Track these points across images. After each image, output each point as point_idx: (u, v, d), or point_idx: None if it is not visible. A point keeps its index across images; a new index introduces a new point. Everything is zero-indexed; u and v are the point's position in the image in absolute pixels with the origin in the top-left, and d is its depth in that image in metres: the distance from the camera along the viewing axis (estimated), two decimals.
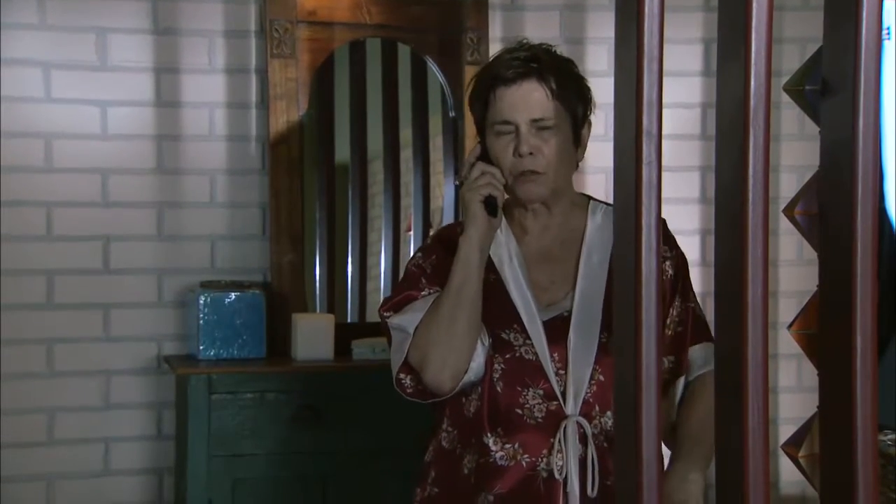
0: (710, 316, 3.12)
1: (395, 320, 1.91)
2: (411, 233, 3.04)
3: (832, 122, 0.87)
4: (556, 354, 1.88)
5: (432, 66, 3.02)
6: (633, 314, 0.87)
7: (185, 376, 2.60)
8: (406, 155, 3.08)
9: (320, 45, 2.90)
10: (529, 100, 1.87)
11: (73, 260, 2.81)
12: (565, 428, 1.85)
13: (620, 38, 0.84)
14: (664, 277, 1.90)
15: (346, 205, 3.00)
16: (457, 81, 2.99)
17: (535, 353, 1.88)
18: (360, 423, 2.60)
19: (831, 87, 0.87)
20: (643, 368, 0.90)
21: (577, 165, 1.96)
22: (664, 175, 0.87)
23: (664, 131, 0.87)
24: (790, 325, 0.98)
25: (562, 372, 1.88)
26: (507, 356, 1.89)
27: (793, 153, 3.08)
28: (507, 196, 1.92)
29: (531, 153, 1.87)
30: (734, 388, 0.86)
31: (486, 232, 1.87)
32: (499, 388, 1.88)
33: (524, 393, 1.88)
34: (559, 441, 1.85)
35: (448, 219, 3.05)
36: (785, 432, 2.97)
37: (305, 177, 2.91)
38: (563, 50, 3.07)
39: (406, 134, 3.08)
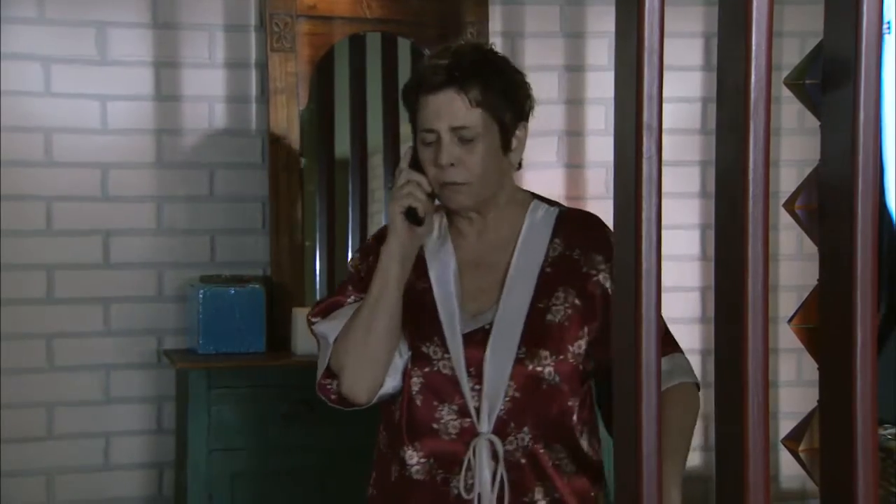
0: (710, 311, 3.14)
1: (319, 328, 1.88)
2: None
3: (833, 117, 0.86)
4: (472, 369, 1.82)
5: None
6: (634, 309, 0.87)
7: (184, 370, 2.60)
8: (406, 148, 3.07)
9: (320, 39, 2.90)
10: (449, 108, 1.79)
11: (73, 254, 2.81)
12: (475, 446, 1.80)
13: (621, 31, 0.84)
14: (600, 291, 1.83)
15: (346, 199, 3.00)
16: None
17: (452, 368, 1.83)
18: (360, 417, 2.60)
19: (832, 81, 0.86)
20: (643, 364, 0.90)
21: (516, 167, 1.88)
22: (664, 169, 0.87)
23: (664, 126, 0.87)
24: (790, 320, 0.98)
25: (477, 387, 1.82)
26: (426, 370, 1.84)
27: (793, 147, 3.08)
28: (437, 203, 1.85)
29: (452, 164, 1.79)
30: (734, 383, 0.86)
31: (408, 243, 1.81)
32: (417, 402, 1.83)
33: (440, 408, 1.83)
34: (468, 459, 1.80)
35: None
36: (785, 427, 2.97)
37: (305, 171, 2.91)
38: (561, 45, 3.13)
39: (406, 128, 3.07)
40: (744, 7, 0.81)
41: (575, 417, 1.84)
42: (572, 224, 1.89)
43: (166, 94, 2.86)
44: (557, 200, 1.96)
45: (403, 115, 3.22)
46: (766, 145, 0.84)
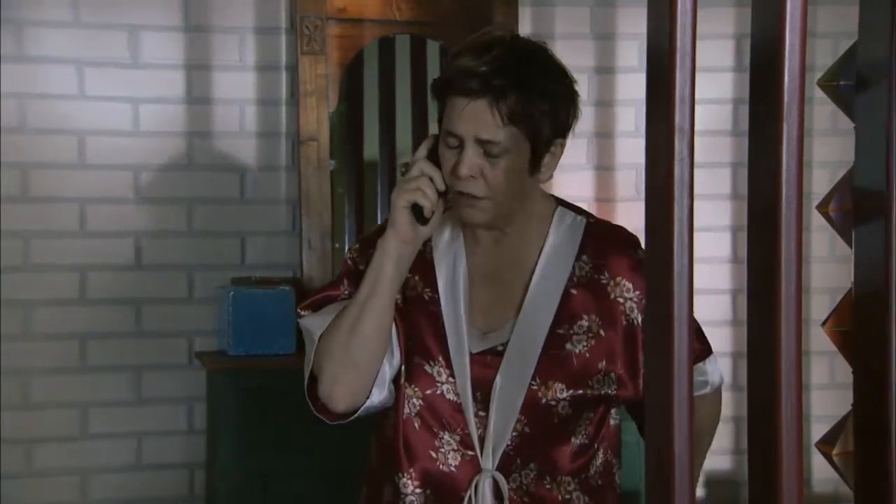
0: (741, 314, 3.11)
1: (305, 322, 1.72)
2: None
3: (866, 118, 0.86)
4: (479, 394, 1.65)
5: None
6: (666, 311, 0.87)
7: (215, 372, 2.61)
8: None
9: (350, 41, 2.91)
10: (479, 119, 1.60)
11: (105, 256, 2.83)
12: (477, 484, 1.65)
13: (653, 33, 0.83)
14: (626, 322, 1.67)
15: (374, 201, 3.01)
16: None
17: (458, 393, 1.66)
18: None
19: (866, 82, 0.86)
20: (675, 365, 0.90)
21: (543, 182, 1.70)
22: (695, 171, 0.86)
23: (696, 127, 0.86)
24: (824, 323, 0.98)
25: (482, 415, 1.65)
26: (428, 392, 1.67)
27: (826, 149, 3.06)
28: (447, 205, 1.67)
29: (472, 176, 1.61)
30: (767, 385, 0.85)
31: (408, 242, 1.64)
32: (416, 426, 1.67)
33: (440, 436, 1.67)
34: (469, 499, 1.65)
35: None
36: (817, 430, 2.95)
37: (335, 173, 2.92)
38: (591, 47, 3.12)
39: (435, 130, 3.08)
40: (777, 8, 0.81)
41: (588, 446, 1.70)
42: (602, 241, 1.71)
43: (197, 97, 2.88)
44: (583, 207, 1.80)
45: (433, 117, 3.22)
46: (799, 147, 0.84)
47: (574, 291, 1.68)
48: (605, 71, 3.08)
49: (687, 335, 0.90)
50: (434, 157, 1.66)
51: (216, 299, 2.84)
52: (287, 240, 2.93)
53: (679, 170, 0.85)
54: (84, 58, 2.80)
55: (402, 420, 1.67)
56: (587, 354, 1.65)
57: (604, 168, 3.10)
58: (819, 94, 1.02)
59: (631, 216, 3.08)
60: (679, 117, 0.84)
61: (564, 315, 1.67)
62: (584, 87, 3.06)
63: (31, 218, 2.79)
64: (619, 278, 1.68)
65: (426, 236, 1.68)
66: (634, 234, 1.71)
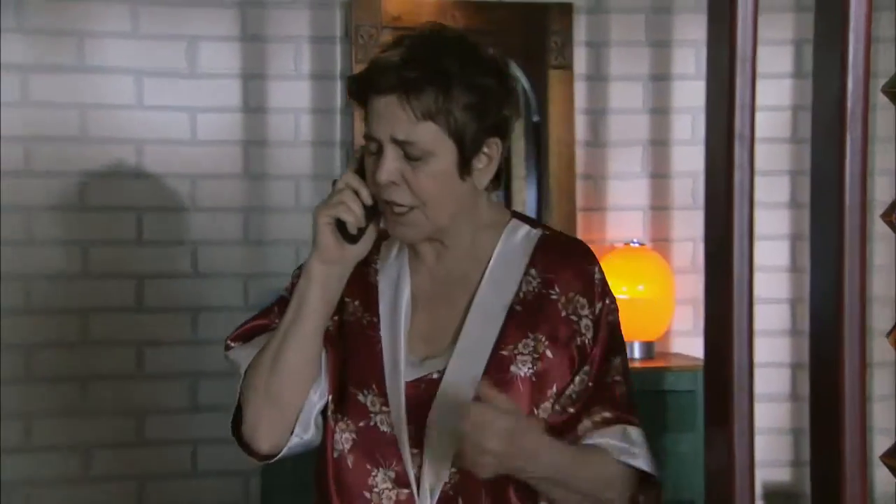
0: (800, 324, 3.07)
1: (233, 354, 1.58)
2: None
3: None
4: (412, 427, 1.48)
5: (515, 70, 3.01)
6: (726, 321, 0.85)
7: None
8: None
9: None
10: (392, 118, 1.44)
11: (162, 264, 2.86)
12: None
13: (713, 39, 0.82)
14: (579, 342, 1.51)
15: None
16: (540, 85, 2.98)
17: (391, 424, 1.49)
18: None
19: None
20: (735, 377, 0.89)
21: (484, 189, 1.52)
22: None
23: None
24: (889, 333, 0.96)
25: (416, 451, 1.48)
26: (361, 423, 1.51)
27: (888, 156, 3.00)
28: (376, 222, 1.51)
29: (394, 182, 1.45)
30: (830, 397, 0.84)
31: (333, 263, 1.48)
32: (348, 463, 1.52)
33: (374, 474, 1.50)
34: None
35: None
36: (879, 442, 2.90)
37: None
38: (647, 54, 3.10)
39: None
40: (840, 14, 0.80)
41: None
42: (553, 253, 1.54)
43: (253, 106, 2.90)
44: (543, 222, 1.65)
45: None
46: (863, 154, 0.82)
47: (519, 308, 1.51)
48: (661, 78, 3.06)
49: (747, 344, 0.88)
50: (362, 173, 1.50)
51: None
52: None
53: (739, 177, 0.84)
54: (143, 68, 2.83)
55: (333, 458, 1.52)
56: (533, 378, 1.48)
57: (659, 176, 3.08)
58: (882, 99, 1.00)
59: (687, 225, 3.06)
60: (739, 124, 0.83)
61: (508, 334, 1.49)
62: (639, 95, 3.05)
63: (90, 227, 2.83)
64: (571, 294, 1.51)
65: (358, 256, 1.51)
66: (588, 248, 1.59)
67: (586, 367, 1.51)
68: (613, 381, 1.53)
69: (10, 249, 2.78)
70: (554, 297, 1.52)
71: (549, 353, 1.50)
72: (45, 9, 2.78)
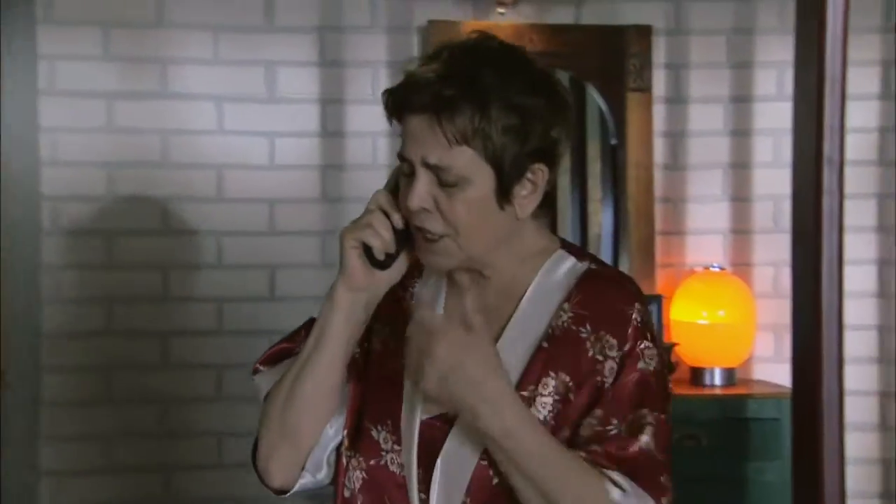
0: (887, 351, 2.98)
1: (258, 379, 1.49)
2: None
3: None
4: (421, 470, 1.36)
5: (592, 93, 3.00)
6: (815, 347, 0.83)
7: None
8: (563, 182, 3.06)
9: None
10: (424, 140, 1.31)
11: (241, 287, 2.89)
12: None
13: (801, 61, 0.80)
14: (599, 383, 1.34)
15: None
16: (619, 108, 2.95)
17: (402, 464, 1.37)
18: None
19: None
20: (824, 403, 0.86)
21: (521, 218, 1.37)
22: None
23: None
24: None
25: (424, 497, 1.35)
26: (372, 462, 1.39)
27: None
28: (410, 246, 1.38)
29: (425, 209, 1.32)
30: None
31: (359, 289, 1.36)
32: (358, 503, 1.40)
33: None
34: None
35: (606, 248, 3.01)
36: None
37: None
38: (727, 75, 3.05)
39: (563, 160, 3.07)
40: None
41: None
42: (592, 288, 1.39)
43: (331, 130, 2.92)
44: (597, 256, 1.46)
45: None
46: None
47: (546, 345, 1.36)
48: (742, 100, 3.01)
49: (837, 370, 0.85)
50: (397, 193, 1.39)
51: None
52: None
53: (828, 203, 0.82)
54: (223, 94, 2.87)
55: (344, 497, 1.41)
56: (552, 422, 1.33)
57: (740, 199, 3.02)
58: None
59: (769, 249, 3.00)
60: (828, 148, 0.81)
61: (532, 374, 1.34)
62: (720, 117, 3.00)
63: (171, 250, 2.87)
64: (602, 333, 1.35)
65: (389, 282, 1.39)
66: (638, 288, 1.42)
67: (598, 411, 1.32)
68: (634, 433, 1.31)
69: (91, 273, 2.83)
70: (584, 334, 1.36)
71: (571, 396, 1.34)
72: (130, 37, 2.83)
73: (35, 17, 2.79)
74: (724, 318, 2.88)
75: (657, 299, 2.91)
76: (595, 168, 3.04)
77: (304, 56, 2.91)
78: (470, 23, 2.86)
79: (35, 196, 2.79)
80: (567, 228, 3.02)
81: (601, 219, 3.02)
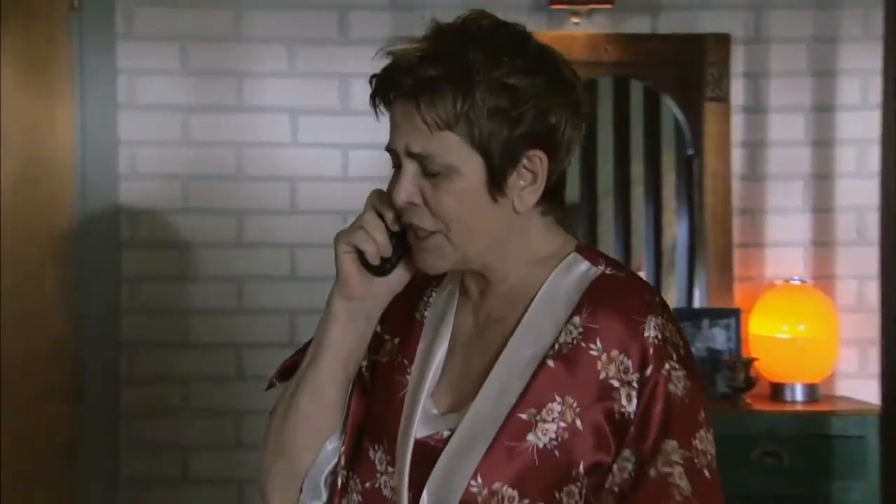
0: None
1: (272, 395, 1.42)
2: (643, 272, 2.96)
3: None
4: (412, 493, 1.23)
5: (668, 103, 2.96)
6: None
7: None
8: (637, 192, 3.02)
9: None
10: (406, 126, 1.22)
11: (314, 299, 2.88)
12: None
13: (890, 69, 0.76)
14: (618, 415, 1.20)
15: None
16: (696, 118, 2.91)
17: (393, 488, 1.26)
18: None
19: None
20: None
21: (519, 212, 1.23)
22: None
23: None
24: None
25: None
26: (367, 484, 1.28)
27: None
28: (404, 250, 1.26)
29: (413, 203, 1.22)
30: None
31: (357, 298, 1.27)
32: None
33: None
34: None
35: (681, 260, 2.96)
36: None
37: None
38: (808, 84, 2.98)
39: (637, 171, 3.03)
40: None
41: None
42: (602, 297, 1.23)
43: None
44: (615, 259, 1.30)
45: (636, 157, 3.18)
46: None
47: (551, 364, 1.21)
48: (824, 109, 2.94)
49: None
50: None
51: None
52: None
53: None
54: (298, 106, 2.88)
55: None
56: (556, 453, 1.19)
57: (822, 210, 2.95)
58: None
59: (852, 261, 2.92)
60: None
61: (533, 394, 1.20)
62: (801, 127, 2.94)
63: (246, 262, 2.89)
64: (614, 352, 1.20)
65: (392, 290, 1.28)
66: (658, 297, 1.26)
67: (627, 452, 1.18)
68: (664, 474, 1.17)
69: (167, 285, 2.86)
70: (594, 352, 1.21)
71: (578, 424, 1.19)
72: (207, 52, 2.86)
73: (115, 32, 2.83)
74: (805, 333, 2.80)
75: (735, 313, 2.85)
76: (670, 179, 3.00)
77: (377, 68, 2.90)
78: (544, 33, 2.84)
79: (114, 208, 2.84)
80: (641, 239, 2.98)
81: (676, 230, 2.98)
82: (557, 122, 1.21)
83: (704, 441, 1.20)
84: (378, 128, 3.10)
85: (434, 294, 1.35)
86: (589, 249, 1.30)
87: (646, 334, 1.20)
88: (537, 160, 1.21)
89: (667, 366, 1.19)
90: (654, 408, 1.19)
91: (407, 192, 1.22)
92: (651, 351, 1.20)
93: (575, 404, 1.20)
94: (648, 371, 1.19)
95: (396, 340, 1.33)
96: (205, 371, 2.87)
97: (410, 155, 1.21)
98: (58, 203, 2.74)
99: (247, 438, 2.87)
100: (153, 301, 2.87)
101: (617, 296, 1.23)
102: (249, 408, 2.86)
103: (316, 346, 1.30)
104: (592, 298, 1.23)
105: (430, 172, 1.20)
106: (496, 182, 1.20)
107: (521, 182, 1.22)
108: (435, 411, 1.26)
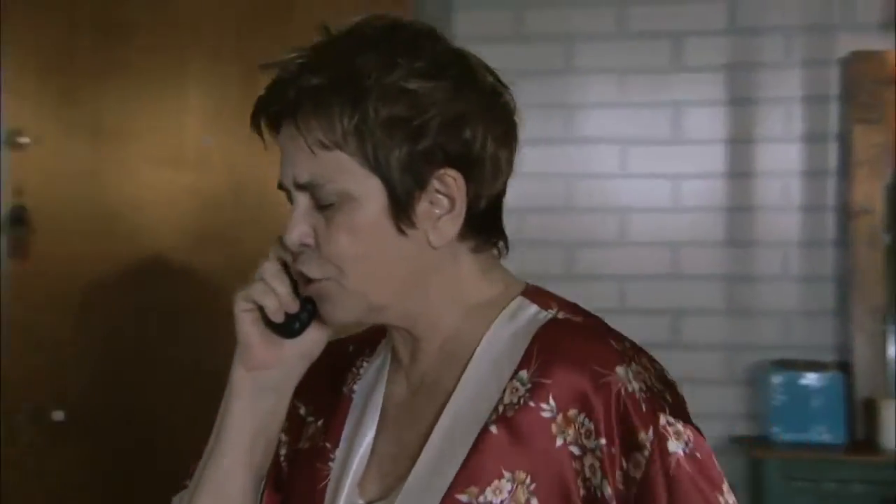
0: None
1: (175, 501, 1.18)
2: None
3: None
4: None
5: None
6: None
7: (759, 460, 2.49)
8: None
9: None
10: (292, 150, 1.01)
11: (644, 331, 2.81)
12: None
13: None
14: (585, 490, 0.96)
15: None
16: None
17: None
18: None
19: None
20: None
21: (435, 246, 1.02)
22: None
23: None
24: None
25: None
26: None
27: None
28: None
29: (306, 244, 1.02)
30: None
31: (262, 367, 1.06)
32: None
33: None
34: None
35: None
36: None
37: (888, 248, 2.69)
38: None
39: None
40: None
41: None
42: (553, 345, 1.00)
43: (738, 171, 2.80)
44: (576, 304, 1.09)
45: None
46: None
47: (494, 430, 0.98)
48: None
49: None
50: None
51: (756, 381, 2.72)
52: (832, 320, 2.74)
53: None
54: (628, 136, 2.84)
55: None
56: None
57: None
58: None
59: None
60: None
61: (474, 469, 0.97)
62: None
63: (575, 296, 2.85)
64: (572, 411, 0.96)
65: (305, 355, 1.07)
66: (625, 340, 1.04)
67: None
68: None
69: None
70: (546, 413, 0.97)
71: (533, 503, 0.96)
72: (537, 84, 2.88)
73: None
74: None
75: None
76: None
77: (712, 94, 2.81)
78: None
79: None
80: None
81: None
82: (474, 136, 1.00)
83: (728, 497, 0.97)
84: (710, 157, 3.03)
85: (366, 364, 1.13)
86: (539, 291, 1.07)
87: (615, 389, 0.96)
88: (451, 181, 1.00)
89: (662, 422, 0.96)
90: (657, 479, 0.94)
91: (300, 232, 1.01)
92: (619, 408, 0.95)
93: (528, 480, 0.96)
94: (643, 435, 0.95)
95: (321, 422, 1.12)
96: None
97: (299, 187, 1.01)
98: None
99: None
100: None
101: (573, 343, 1.00)
102: None
103: (217, 428, 1.08)
104: (543, 347, 0.99)
105: (323, 204, 1.00)
106: (401, 209, 0.99)
107: (437, 210, 1.01)
108: (360, 502, 1.04)
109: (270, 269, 1.04)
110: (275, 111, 1.01)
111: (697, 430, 0.99)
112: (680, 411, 0.99)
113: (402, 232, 1.00)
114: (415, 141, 0.98)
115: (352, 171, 0.99)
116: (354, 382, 1.11)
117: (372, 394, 1.09)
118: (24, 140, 2.82)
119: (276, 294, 1.03)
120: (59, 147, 2.83)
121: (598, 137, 2.86)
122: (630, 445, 0.94)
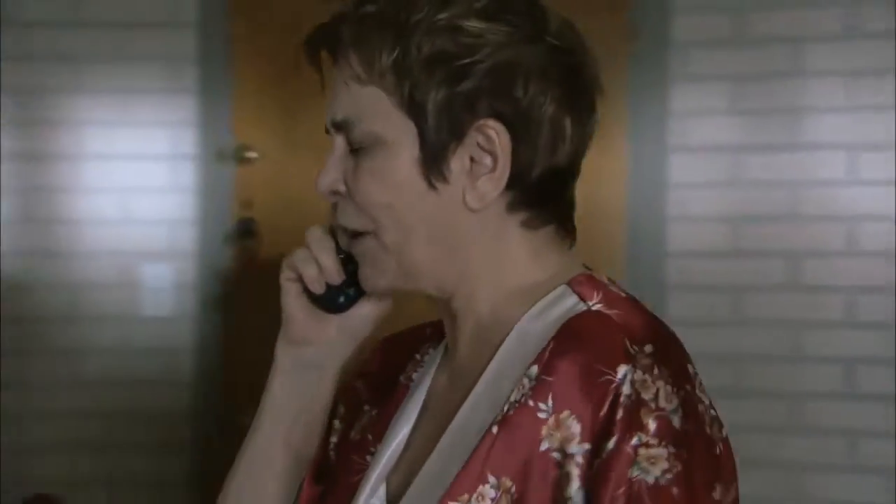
0: None
1: None
2: None
3: None
4: None
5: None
6: None
7: None
8: None
9: None
10: (335, 88, 0.93)
11: (876, 347, 2.70)
12: None
13: None
14: (554, 497, 0.85)
15: None
16: None
17: None
18: None
19: None
20: None
21: (474, 209, 0.91)
22: None
23: None
24: None
25: None
26: None
27: None
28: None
29: (336, 192, 0.94)
30: None
31: (305, 343, 1.00)
32: None
33: None
34: None
35: None
36: None
37: None
38: None
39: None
40: None
41: None
42: (570, 342, 0.88)
43: None
44: (623, 292, 0.95)
45: None
46: None
47: (495, 430, 0.88)
48: None
49: None
50: None
51: None
52: None
53: None
54: (854, 142, 2.71)
55: None
56: None
57: None
58: None
59: None
60: None
61: (470, 474, 0.87)
62: None
63: (800, 307, 2.77)
64: (565, 413, 0.85)
65: (351, 332, 1.00)
66: (654, 341, 0.89)
67: None
68: None
69: (718, 329, 2.81)
70: (542, 414, 0.86)
71: None
72: (759, 89, 2.78)
73: (667, 73, 2.84)
74: None
75: None
76: None
77: None
78: None
79: (660, 252, 2.84)
80: None
81: None
82: (526, 89, 0.88)
83: None
84: None
85: (431, 350, 1.03)
86: (590, 280, 0.93)
87: (610, 389, 0.84)
88: (492, 133, 0.88)
89: (635, 439, 0.82)
90: (612, 490, 0.81)
91: (330, 178, 0.92)
92: (610, 411, 0.83)
93: (513, 489, 0.85)
94: (610, 444, 0.82)
95: (375, 412, 1.03)
96: (759, 421, 2.77)
97: (336, 125, 0.92)
98: (608, 247, 2.81)
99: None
100: (699, 346, 2.83)
101: (587, 338, 0.87)
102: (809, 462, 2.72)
103: (260, 407, 1.02)
104: (560, 342, 0.88)
105: (355, 147, 0.91)
106: (433, 160, 0.88)
107: (478, 168, 0.89)
108: (390, 492, 0.95)
109: (315, 234, 0.98)
110: (318, 40, 0.94)
111: (702, 468, 0.85)
112: (685, 439, 0.84)
113: (432, 186, 0.90)
114: (456, 82, 0.88)
115: (386, 113, 0.90)
116: (415, 370, 1.03)
117: (420, 383, 1.00)
118: (252, 154, 2.93)
119: (317, 264, 0.96)
120: (283, 161, 2.94)
121: (823, 143, 2.74)
122: (598, 450, 0.84)
